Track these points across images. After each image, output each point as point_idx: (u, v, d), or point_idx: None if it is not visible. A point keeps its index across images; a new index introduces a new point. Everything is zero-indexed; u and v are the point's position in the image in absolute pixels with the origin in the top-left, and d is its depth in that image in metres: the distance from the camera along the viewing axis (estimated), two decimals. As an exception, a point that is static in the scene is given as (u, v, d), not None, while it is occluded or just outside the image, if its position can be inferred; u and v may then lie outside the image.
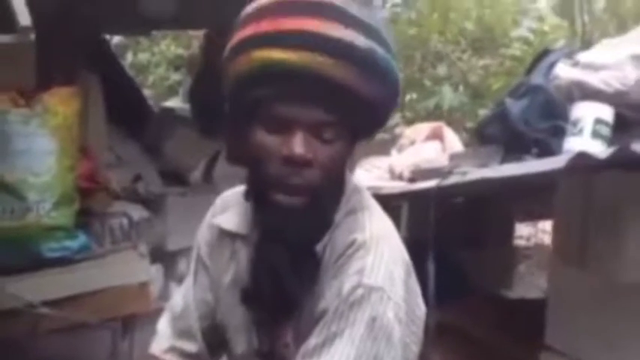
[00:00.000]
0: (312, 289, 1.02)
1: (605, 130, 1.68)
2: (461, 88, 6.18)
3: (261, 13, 0.96)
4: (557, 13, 7.11)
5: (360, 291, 0.96)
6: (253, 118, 0.98)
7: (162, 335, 1.20)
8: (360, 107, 0.97)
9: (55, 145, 2.28)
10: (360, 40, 0.94)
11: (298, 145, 0.94)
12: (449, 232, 3.05)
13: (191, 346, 1.17)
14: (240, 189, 1.13)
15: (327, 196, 1.00)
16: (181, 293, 1.20)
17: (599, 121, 1.67)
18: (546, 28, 6.43)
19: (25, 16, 1.47)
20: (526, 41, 6.00)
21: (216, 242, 1.14)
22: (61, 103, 2.35)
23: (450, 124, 5.52)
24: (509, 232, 3.60)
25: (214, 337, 1.17)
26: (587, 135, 1.65)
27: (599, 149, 1.61)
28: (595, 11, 7.10)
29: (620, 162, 1.55)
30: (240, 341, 1.11)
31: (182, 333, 1.18)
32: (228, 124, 1.04)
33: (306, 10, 0.94)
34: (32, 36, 1.49)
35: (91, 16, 3.32)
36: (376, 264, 0.98)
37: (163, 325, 1.21)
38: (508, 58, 5.91)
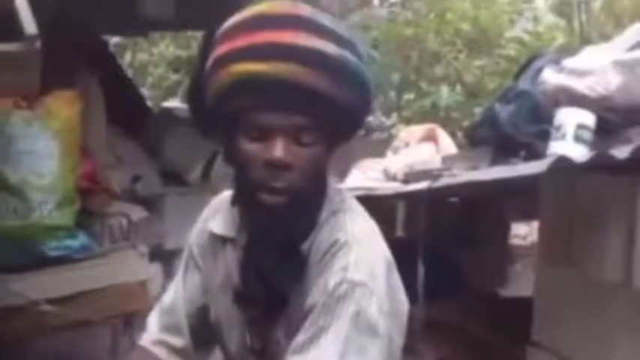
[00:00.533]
0: (299, 287, 1.07)
1: (587, 135, 1.74)
2: (458, 87, 6.24)
3: (237, 29, 1.03)
4: (555, 13, 7.16)
5: (344, 286, 1.02)
6: (235, 128, 1.04)
7: (152, 328, 1.25)
8: (335, 111, 1.04)
9: (56, 146, 2.33)
10: (331, 48, 1.01)
11: (278, 150, 1.01)
12: (444, 231, 3.12)
13: (178, 341, 1.22)
14: (227, 194, 1.19)
15: (308, 196, 1.06)
16: (171, 290, 1.25)
17: (581, 126, 1.74)
18: (541, 28, 6.48)
19: (31, 25, 1.53)
20: (521, 42, 6.06)
21: (208, 245, 1.19)
22: (62, 106, 2.40)
23: (446, 123, 5.59)
24: (504, 232, 3.66)
25: (202, 334, 1.22)
26: (569, 139, 1.72)
27: (581, 153, 1.67)
28: (593, 10, 7.15)
29: (601, 165, 1.61)
30: (234, 339, 1.16)
31: (170, 328, 1.23)
32: (213, 134, 1.10)
33: (278, 24, 1.01)
34: (38, 44, 1.54)
35: (90, 17, 3.37)
36: (359, 261, 1.04)
37: (153, 318, 1.26)
38: (503, 58, 5.98)
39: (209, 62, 1.06)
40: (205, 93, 1.08)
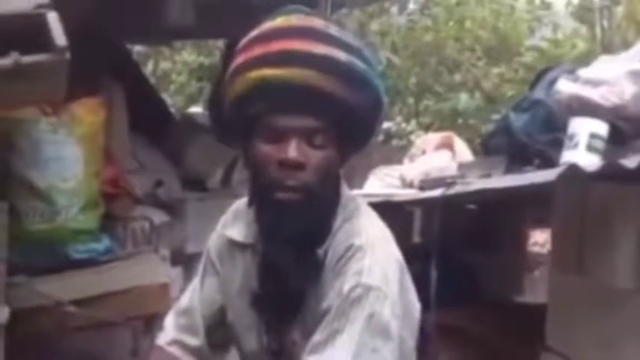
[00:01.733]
0: (315, 289, 1.12)
1: (600, 144, 1.77)
2: (477, 94, 6.24)
3: (252, 42, 1.11)
4: (576, 19, 7.13)
5: (359, 290, 1.07)
6: (252, 132, 1.10)
7: (168, 329, 1.29)
8: (345, 114, 1.10)
9: (81, 152, 2.40)
10: (340, 55, 1.08)
11: (292, 150, 1.07)
12: (460, 237, 3.14)
13: (193, 341, 1.26)
14: (246, 200, 1.23)
15: (321, 197, 1.10)
16: (188, 292, 1.30)
17: (593, 136, 1.76)
18: (560, 36, 6.46)
19: (61, 37, 1.59)
20: (540, 50, 6.05)
21: (226, 251, 1.24)
22: (87, 113, 2.47)
23: (465, 129, 5.60)
24: (521, 239, 3.66)
25: (217, 336, 1.26)
26: (582, 148, 1.74)
27: (593, 162, 1.70)
28: (614, 16, 7.11)
29: (612, 174, 1.63)
30: (251, 341, 1.20)
31: (186, 328, 1.27)
32: (231, 141, 1.17)
33: (290, 34, 1.08)
34: (67, 55, 1.61)
35: (114, 27, 3.45)
36: (373, 265, 1.08)
37: (170, 319, 1.30)
38: (522, 66, 5.97)
39: (227, 74, 1.13)
40: (224, 103, 1.14)
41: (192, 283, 1.30)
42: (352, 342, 1.05)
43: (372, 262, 1.09)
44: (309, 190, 1.08)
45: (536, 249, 4.61)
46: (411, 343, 1.16)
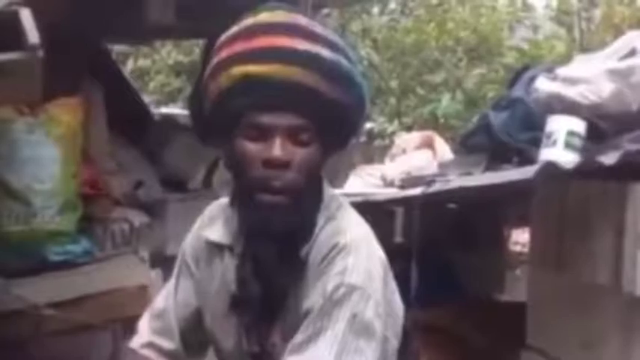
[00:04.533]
0: (297, 289, 1.11)
1: (578, 142, 1.78)
2: (458, 94, 6.28)
3: (235, 38, 1.09)
4: (555, 22, 7.20)
5: (342, 290, 1.06)
6: (235, 129, 1.08)
7: (142, 331, 1.27)
8: (330, 111, 1.08)
9: (58, 153, 2.37)
10: (325, 52, 1.07)
11: (276, 148, 1.05)
12: (441, 236, 3.14)
13: (167, 344, 1.25)
14: (224, 200, 1.22)
15: (306, 197, 1.09)
16: (163, 295, 1.28)
17: (571, 133, 1.77)
18: (541, 37, 6.52)
19: (33, 34, 1.57)
20: (520, 50, 6.10)
21: (203, 252, 1.22)
22: (64, 113, 2.44)
23: (446, 130, 5.63)
24: (501, 237, 3.67)
25: (193, 339, 1.25)
26: (560, 146, 1.75)
27: (572, 159, 1.71)
28: (593, 19, 7.19)
29: (591, 171, 1.64)
30: (230, 343, 1.18)
31: (160, 331, 1.25)
32: (213, 139, 1.15)
33: (275, 30, 1.07)
34: (40, 53, 1.59)
35: (93, 26, 3.41)
36: (356, 265, 1.08)
37: (144, 322, 1.29)
38: (503, 66, 6.02)
39: (207, 70, 1.11)
40: (205, 99, 1.12)
41: (167, 286, 1.28)
42: (335, 342, 1.04)
43: (355, 261, 1.08)
44: (293, 191, 1.07)
45: (517, 248, 4.64)
46: (395, 342, 1.15)
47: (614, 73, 1.94)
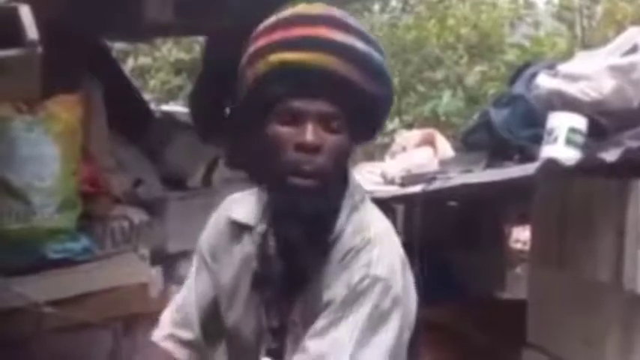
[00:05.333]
0: (319, 273, 1.15)
1: (579, 139, 1.77)
2: (459, 91, 6.26)
3: (273, 27, 1.13)
4: (557, 18, 7.18)
5: (367, 281, 1.11)
6: (269, 114, 1.13)
7: (163, 324, 1.31)
8: (360, 101, 1.13)
9: (58, 150, 2.36)
10: (359, 44, 1.12)
11: (309, 133, 1.09)
12: (442, 234, 3.14)
13: (188, 335, 1.28)
14: (245, 192, 1.27)
15: (334, 183, 1.14)
16: (184, 288, 1.32)
17: (572, 130, 1.77)
18: (542, 34, 6.50)
19: (32, 31, 1.57)
20: (521, 47, 6.08)
21: (223, 238, 1.26)
22: (63, 110, 2.43)
23: (448, 127, 5.61)
24: (502, 235, 3.67)
25: (212, 328, 1.28)
26: (561, 143, 1.74)
27: (573, 156, 1.70)
28: (595, 16, 7.17)
29: (592, 168, 1.64)
30: (251, 324, 1.22)
31: (181, 322, 1.29)
32: (242, 125, 1.20)
33: (312, 21, 1.12)
34: (39, 49, 1.58)
35: (92, 23, 3.40)
36: (380, 257, 1.13)
37: (166, 315, 1.32)
38: (504, 63, 6.00)
39: (244, 58, 1.15)
40: (241, 85, 1.17)
41: (187, 281, 1.32)
42: (356, 328, 1.09)
43: (379, 254, 1.13)
44: (323, 176, 1.11)
45: (518, 246, 4.64)
46: (407, 335, 1.19)
47: (615, 70, 1.93)
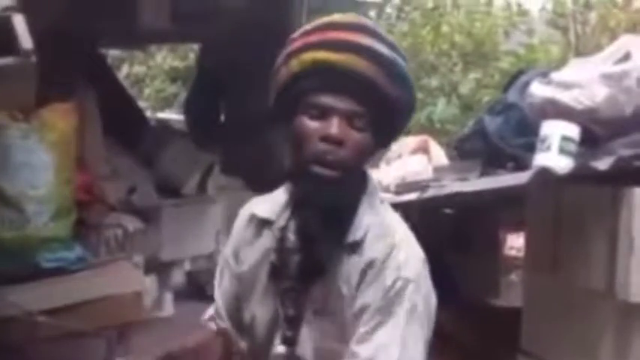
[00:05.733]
0: (336, 266, 1.21)
1: (572, 147, 1.78)
2: (454, 98, 6.28)
3: (309, 32, 1.26)
4: (551, 25, 7.21)
5: (399, 283, 1.19)
6: (297, 108, 1.22)
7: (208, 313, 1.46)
8: (383, 103, 1.22)
9: (52, 158, 2.36)
10: (385, 50, 1.22)
11: (334, 127, 1.18)
12: (437, 241, 3.14)
13: (222, 324, 1.42)
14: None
15: (353, 177, 1.22)
16: (215, 281, 1.44)
17: (565, 138, 1.78)
18: (536, 41, 6.53)
19: (27, 40, 1.57)
20: (515, 55, 6.11)
21: (246, 231, 1.35)
22: (58, 119, 2.43)
23: (443, 134, 5.63)
24: (497, 242, 3.68)
25: (237, 319, 1.39)
26: (554, 151, 1.75)
27: (566, 164, 1.71)
28: (589, 22, 7.20)
29: (585, 176, 1.64)
30: (267, 315, 1.29)
31: (216, 314, 1.44)
32: (273, 119, 1.31)
33: (345, 27, 1.24)
34: (34, 58, 1.58)
35: (87, 31, 3.40)
36: (408, 259, 1.21)
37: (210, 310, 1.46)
38: (498, 71, 6.03)
39: (280, 57, 1.27)
40: (274, 84, 1.28)
41: (216, 279, 1.43)
42: (397, 331, 1.17)
43: (407, 256, 1.21)
44: (344, 168, 1.19)
45: (512, 253, 4.64)
46: (430, 334, 1.25)
47: (607, 78, 1.95)
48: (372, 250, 1.21)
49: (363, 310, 1.19)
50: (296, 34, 1.28)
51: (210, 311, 1.46)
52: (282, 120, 1.27)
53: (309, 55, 1.21)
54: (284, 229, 1.26)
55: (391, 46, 1.23)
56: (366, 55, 1.20)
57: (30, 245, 2.32)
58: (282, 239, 1.26)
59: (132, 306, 2.56)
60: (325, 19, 1.26)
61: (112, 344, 2.58)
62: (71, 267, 2.44)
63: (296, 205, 1.26)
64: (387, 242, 1.21)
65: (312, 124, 1.20)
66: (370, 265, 1.21)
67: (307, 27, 1.27)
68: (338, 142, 1.18)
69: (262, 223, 1.31)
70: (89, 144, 2.83)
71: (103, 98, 3.25)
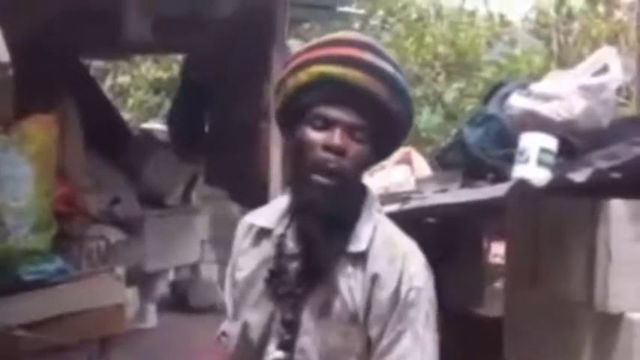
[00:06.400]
0: (339, 269, 1.24)
1: (550, 159, 1.79)
2: (439, 108, 6.32)
3: (315, 47, 1.31)
4: (534, 35, 7.28)
5: (413, 293, 1.24)
6: (301, 119, 1.27)
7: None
8: (384, 117, 1.26)
9: (32, 170, 2.35)
10: (388, 67, 1.27)
11: (337, 137, 1.23)
12: (421, 250, 3.15)
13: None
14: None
15: (352, 187, 1.26)
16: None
17: (544, 150, 1.79)
18: (518, 51, 6.59)
19: (3, 53, 1.56)
20: (498, 65, 6.16)
21: (244, 241, 1.37)
22: (38, 130, 2.42)
23: (427, 143, 5.65)
24: (480, 251, 3.68)
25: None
26: (532, 163, 1.76)
27: (544, 177, 1.72)
28: (572, 32, 7.27)
29: (564, 188, 1.66)
30: (260, 317, 1.30)
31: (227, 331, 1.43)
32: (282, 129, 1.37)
33: (349, 44, 1.28)
34: (11, 72, 1.58)
35: (69, 42, 3.40)
36: (417, 269, 1.26)
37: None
38: (481, 81, 6.08)
39: (286, 70, 1.32)
40: (276, 97, 1.33)
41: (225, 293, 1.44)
42: (417, 339, 1.23)
43: (416, 267, 1.25)
44: (344, 178, 1.22)
45: (497, 260, 4.65)
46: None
47: (585, 90, 1.96)
48: (378, 262, 1.24)
49: (378, 322, 1.23)
50: (304, 48, 1.32)
51: (223, 326, 1.44)
52: (284, 130, 1.33)
53: (317, 69, 1.26)
54: (282, 236, 1.29)
55: (393, 63, 1.29)
56: (370, 71, 1.25)
57: (10, 258, 2.31)
58: (280, 245, 1.29)
59: (113, 318, 2.54)
60: (332, 36, 1.32)
61: (93, 357, 2.56)
62: (52, 279, 2.43)
63: (295, 212, 1.28)
64: (394, 253, 1.25)
65: (315, 135, 1.24)
66: (378, 277, 1.24)
67: (314, 42, 1.32)
68: (340, 152, 1.22)
69: (261, 233, 1.33)
70: (70, 155, 2.82)
71: (86, 109, 3.24)
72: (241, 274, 1.34)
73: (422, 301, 1.24)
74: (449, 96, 6.18)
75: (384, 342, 1.23)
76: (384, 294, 1.23)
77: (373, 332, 1.24)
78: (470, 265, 3.43)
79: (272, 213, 1.34)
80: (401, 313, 1.23)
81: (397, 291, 1.23)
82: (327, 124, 1.24)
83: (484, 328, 2.67)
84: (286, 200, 1.32)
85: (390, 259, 1.24)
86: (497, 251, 4.44)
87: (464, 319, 3.11)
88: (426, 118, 6.08)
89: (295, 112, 1.28)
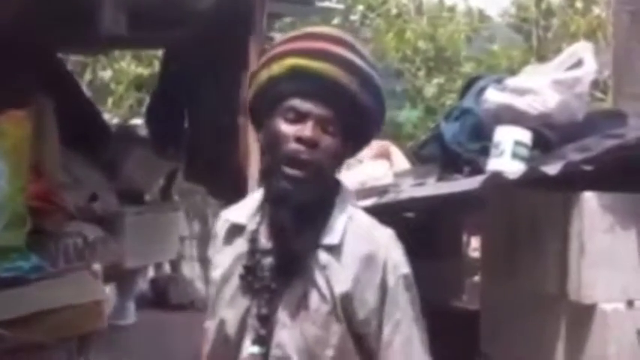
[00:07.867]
0: (313, 263, 1.25)
1: (524, 152, 1.81)
2: (419, 103, 6.35)
3: (292, 38, 1.32)
4: (513, 30, 7.34)
5: (401, 280, 1.28)
6: (275, 111, 1.27)
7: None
8: (356, 111, 1.28)
9: (6, 167, 2.32)
10: (359, 61, 1.29)
11: (308, 129, 1.24)
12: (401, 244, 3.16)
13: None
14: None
15: (324, 179, 1.27)
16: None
17: (518, 143, 1.80)
18: (497, 47, 6.64)
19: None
20: (477, 60, 6.21)
21: (219, 238, 1.38)
22: (12, 126, 2.40)
23: (408, 138, 5.68)
24: (459, 244, 3.71)
25: None
26: (507, 156, 1.78)
27: (518, 169, 1.74)
28: (551, 27, 7.34)
29: (538, 181, 1.67)
30: (235, 312, 1.30)
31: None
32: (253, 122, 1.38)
33: (326, 38, 1.30)
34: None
35: (44, 36, 3.35)
36: (400, 258, 1.29)
37: None
38: (460, 76, 6.12)
39: (261, 60, 1.32)
40: (250, 88, 1.34)
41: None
42: (413, 323, 1.28)
43: (398, 255, 1.29)
44: (316, 169, 1.24)
45: (476, 254, 4.68)
46: None
47: (560, 84, 1.98)
48: (356, 250, 1.26)
49: (371, 313, 1.25)
50: (278, 41, 1.35)
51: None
52: (256, 122, 1.34)
53: (290, 61, 1.27)
54: (256, 231, 1.30)
55: (366, 58, 1.30)
56: (342, 65, 1.26)
57: (-16, 255, 2.27)
58: (253, 241, 1.29)
59: (91, 315, 2.52)
60: (307, 30, 1.34)
61: (72, 354, 2.53)
62: (28, 276, 2.40)
63: (267, 204, 1.29)
64: (375, 243, 1.27)
65: (287, 128, 1.25)
66: (358, 277, 1.25)
67: (290, 35, 1.34)
68: (312, 145, 1.23)
69: (235, 229, 1.34)
70: (46, 152, 2.79)
71: (63, 105, 3.20)
72: (217, 272, 1.34)
73: (408, 285, 1.28)
74: (429, 91, 6.21)
75: (386, 333, 1.26)
76: (372, 284, 1.25)
77: (370, 328, 1.26)
78: (449, 258, 3.45)
79: (245, 208, 1.35)
80: (393, 301, 1.26)
81: (383, 281, 1.26)
82: (299, 117, 1.25)
83: (464, 321, 2.69)
84: (260, 195, 1.32)
85: (369, 255, 1.25)
86: (476, 245, 4.47)
87: (444, 312, 3.14)
88: (404, 116, 6.10)
89: (267, 104, 1.28)
